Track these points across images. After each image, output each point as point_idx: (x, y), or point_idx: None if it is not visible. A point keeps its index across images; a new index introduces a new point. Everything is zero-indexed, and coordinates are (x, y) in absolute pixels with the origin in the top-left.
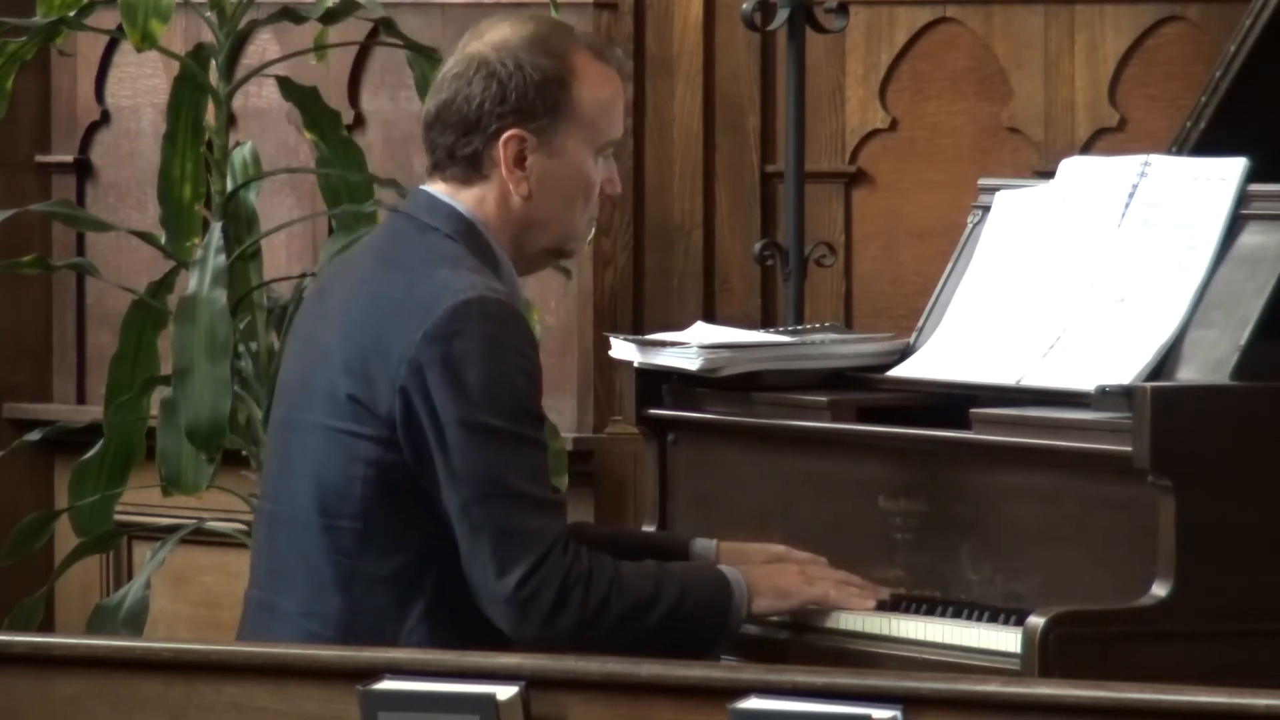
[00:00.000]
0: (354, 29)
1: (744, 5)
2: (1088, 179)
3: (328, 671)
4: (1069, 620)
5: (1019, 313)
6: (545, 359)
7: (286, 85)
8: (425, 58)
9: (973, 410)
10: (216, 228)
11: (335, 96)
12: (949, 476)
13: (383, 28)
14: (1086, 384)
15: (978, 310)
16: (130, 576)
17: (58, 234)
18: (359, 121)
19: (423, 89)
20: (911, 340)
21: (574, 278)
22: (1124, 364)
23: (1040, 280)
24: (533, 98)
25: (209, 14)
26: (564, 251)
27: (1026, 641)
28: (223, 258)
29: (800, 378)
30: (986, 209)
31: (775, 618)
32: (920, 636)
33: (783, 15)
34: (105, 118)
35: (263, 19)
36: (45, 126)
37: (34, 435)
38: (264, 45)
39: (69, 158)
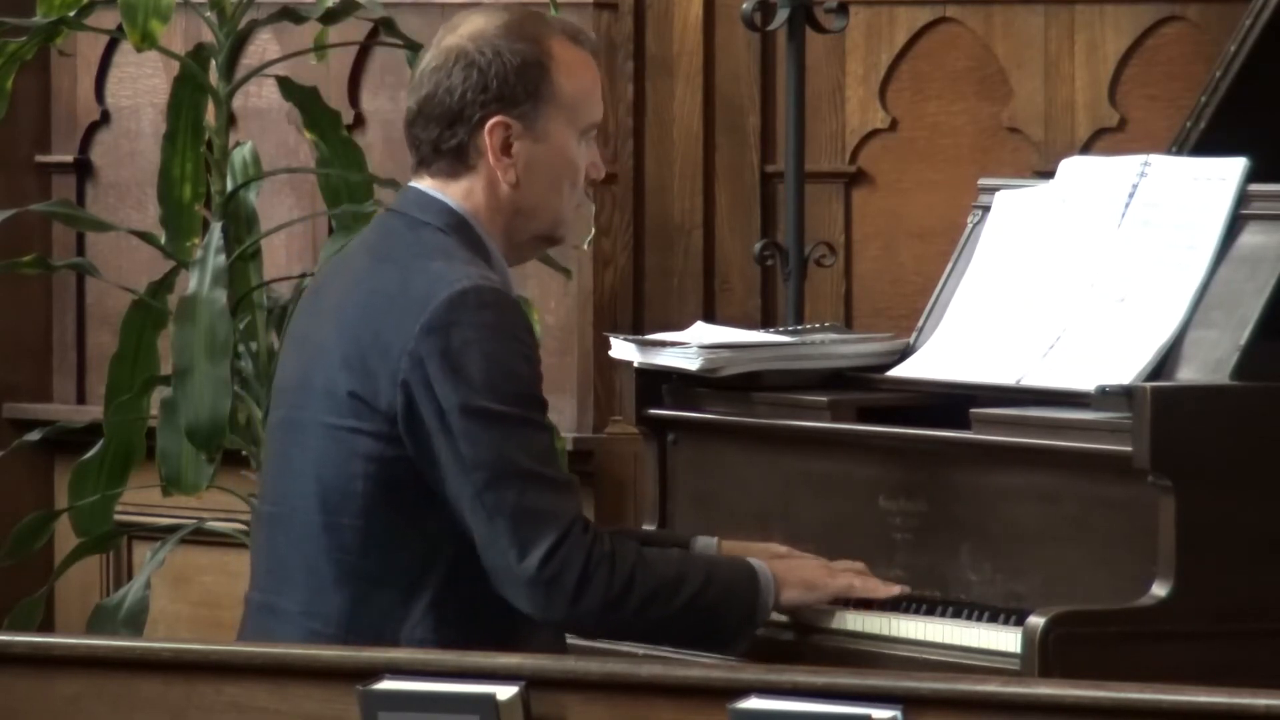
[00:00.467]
0: (354, 29)
1: (744, 5)
2: (1088, 179)
3: (328, 671)
4: (1069, 620)
5: (1019, 313)
6: (545, 359)
7: (286, 85)
8: None
9: (973, 410)
10: (216, 228)
11: (335, 96)
12: (949, 476)
13: (383, 28)
14: (1086, 384)
15: (978, 310)
16: (130, 576)
17: (58, 234)
18: (359, 121)
19: None
20: (911, 340)
21: (574, 278)
22: (1124, 364)
23: (1040, 280)
24: (513, 83)
25: (209, 14)
26: (554, 238)
27: (1026, 641)
28: (223, 258)
29: (800, 378)
30: (986, 209)
31: (775, 617)
32: (920, 636)
33: (783, 15)
34: (105, 118)
35: (263, 19)
36: (45, 126)
37: (34, 435)
38: (264, 45)
39: (69, 158)
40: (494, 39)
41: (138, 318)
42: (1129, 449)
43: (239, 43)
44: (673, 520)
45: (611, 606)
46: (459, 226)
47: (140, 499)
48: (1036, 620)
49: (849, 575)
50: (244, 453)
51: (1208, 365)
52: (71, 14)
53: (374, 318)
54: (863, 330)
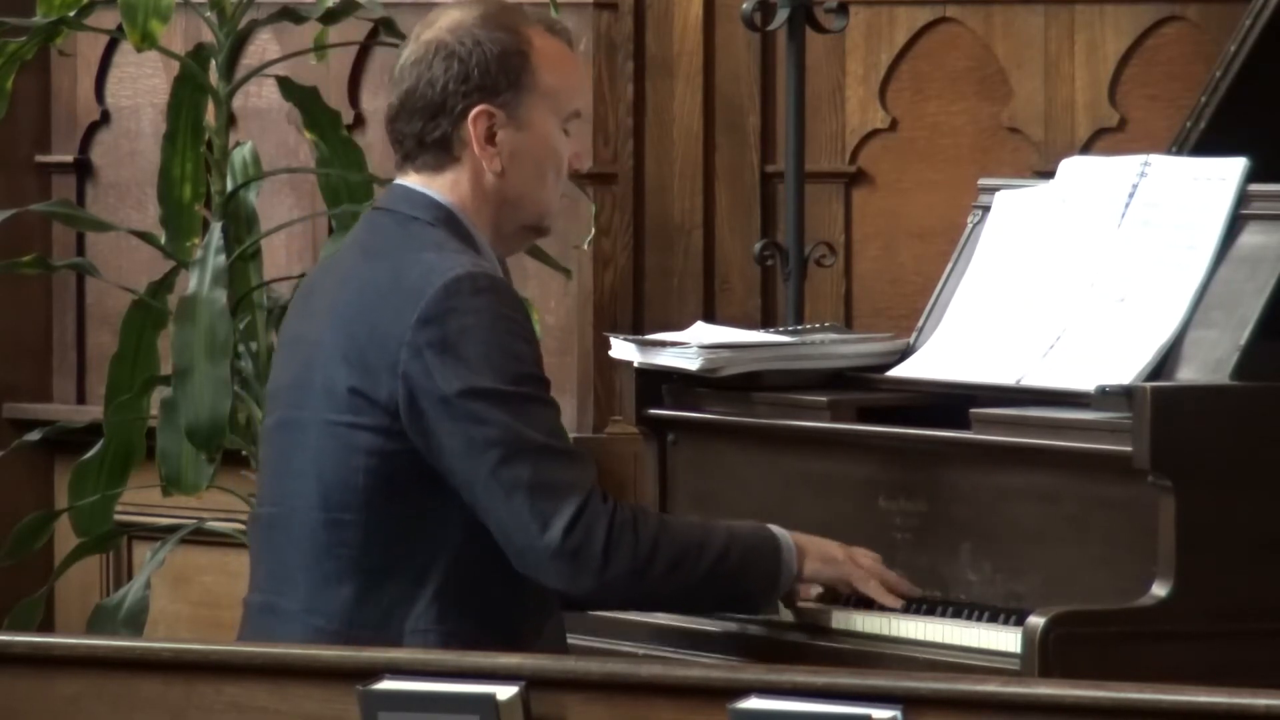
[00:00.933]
0: (354, 29)
1: (744, 5)
2: (1088, 179)
3: (328, 671)
4: (1069, 620)
5: (1019, 313)
6: (545, 359)
7: (286, 85)
8: None
9: (973, 410)
10: (216, 228)
11: (335, 96)
12: (949, 476)
13: (383, 28)
14: (1086, 384)
15: (977, 310)
16: (130, 576)
17: (58, 234)
18: (359, 121)
19: None
20: (911, 340)
21: (574, 278)
22: (1124, 364)
23: (1040, 280)
24: (495, 72)
25: (209, 14)
26: (540, 228)
27: (1026, 641)
28: (223, 258)
29: (800, 378)
30: (986, 209)
31: (776, 618)
32: (920, 636)
33: (783, 15)
34: (105, 118)
35: (263, 19)
36: (45, 126)
37: (34, 435)
38: (264, 45)
39: (69, 158)
40: (473, 29)
41: (138, 318)
42: (1129, 449)
43: (239, 43)
44: None
45: (639, 573)
46: (447, 220)
47: (140, 499)
48: (1036, 620)
49: (868, 560)
50: (244, 453)
51: (1208, 365)
52: (71, 14)
53: (369, 312)
54: (863, 330)
